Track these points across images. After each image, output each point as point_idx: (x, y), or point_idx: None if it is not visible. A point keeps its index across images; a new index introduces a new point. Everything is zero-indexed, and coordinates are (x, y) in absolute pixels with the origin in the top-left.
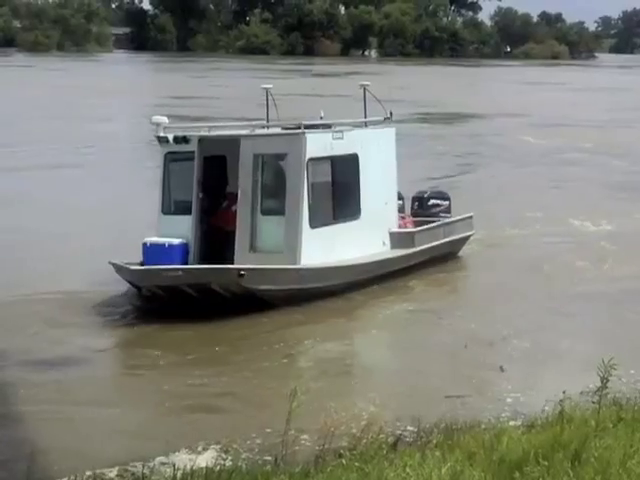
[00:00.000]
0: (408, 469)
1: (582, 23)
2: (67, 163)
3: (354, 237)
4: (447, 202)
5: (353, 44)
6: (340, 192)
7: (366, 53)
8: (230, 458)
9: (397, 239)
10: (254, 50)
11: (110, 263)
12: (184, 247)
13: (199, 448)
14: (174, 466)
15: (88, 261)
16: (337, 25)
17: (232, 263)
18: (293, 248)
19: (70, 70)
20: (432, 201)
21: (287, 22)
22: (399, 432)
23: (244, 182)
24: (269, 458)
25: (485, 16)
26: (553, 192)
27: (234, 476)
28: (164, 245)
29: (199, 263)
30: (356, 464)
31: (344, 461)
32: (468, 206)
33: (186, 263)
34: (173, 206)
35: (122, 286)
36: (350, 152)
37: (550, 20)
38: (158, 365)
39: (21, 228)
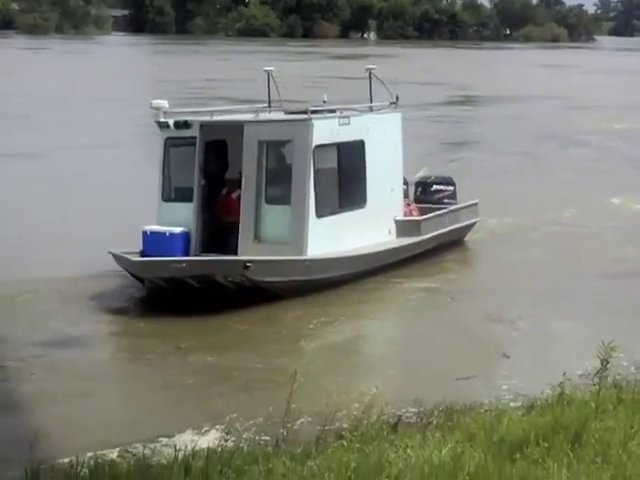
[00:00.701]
0: (409, 450)
1: (581, 6)
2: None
3: (360, 226)
4: (452, 188)
5: (352, 26)
6: (346, 180)
7: (365, 35)
8: (231, 439)
9: (403, 227)
10: (253, 32)
11: (110, 253)
12: (185, 236)
13: (200, 429)
14: (175, 447)
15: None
16: (336, 7)
17: (235, 253)
18: (299, 238)
19: (87, 52)
20: (435, 187)
21: (286, 4)
22: (400, 414)
23: (248, 170)
24: (270, 439)
25: None
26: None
27: (235, 457)
28: (165, 234)
29: (201, 253)
30: (357, 445)
31: (345, 442)
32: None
33: (187, 252)
34: (173, 193)
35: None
36: (356, 138)
37: (549, 2)
38: (159, 350)
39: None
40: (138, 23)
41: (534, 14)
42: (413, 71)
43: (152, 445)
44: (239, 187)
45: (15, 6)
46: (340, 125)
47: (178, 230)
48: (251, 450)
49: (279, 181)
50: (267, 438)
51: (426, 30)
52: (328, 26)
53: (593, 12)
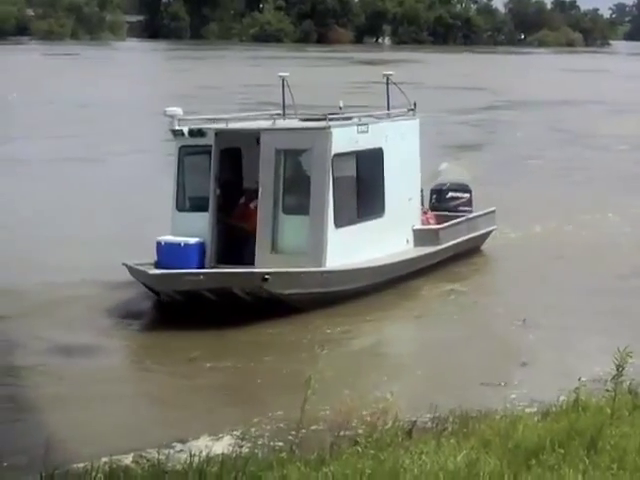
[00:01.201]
0: (424, 456)
1: (596, 10)
2: None
3: (378, 236)
4: (467, 195)
5: (366, 32)
6: (364, 189)
7: (379, 41)
8: (246, 445)
9: (421, 236)
10: (267, 38)
11: (124, 265)
12: (201, 247)
13: (215, 435)
14: (190, 453)
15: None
16: (350, 12)
17: (251, 264)
18: (318, 249)
19: (113, 58)
20: (451, 194)
21: (300, 9)
22: (415, 419)
23: (265, 179)
24: (285, 445)
25: (499, 3)
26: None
27: (250, 463)
28: (180, 245)
29: (216, 264)
30: (372, 451)
31: (359, 448)
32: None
33: (203, 264)
34: (188, 202)
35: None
36: (375, 146)
37: (564, 7)
38: (173, 358)
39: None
40: (153, 29)
41: (549, 19)
42: (444, 76)
43: (166, 451)
44: (257, 197)
45: (30, 12)
46: (359, 133)
47: (193, 241)
48: (265, 456)
49: (297, 190)
50: (281, 444)
51: (440, 35)
52: (342, 31)
53: (608, 16)
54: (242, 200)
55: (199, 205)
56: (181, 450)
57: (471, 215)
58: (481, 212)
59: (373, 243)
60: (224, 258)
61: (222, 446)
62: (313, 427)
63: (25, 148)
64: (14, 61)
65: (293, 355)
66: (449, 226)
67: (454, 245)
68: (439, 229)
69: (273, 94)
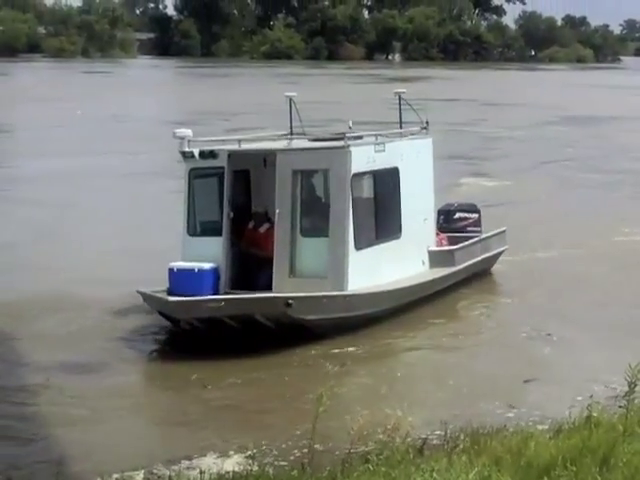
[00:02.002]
0: (435, 474)
1: (607, 26)
2: None
3: (395, 258)
4: (476, 215)
5: (377, 48)
6: (382, 209)
7: (390, 57)
8: (257, 463)
9: (437, 258)
10: (278, 55)
11: (138, 292)
12: (215, 272)
13: (226, 453)
14: (200, 470)
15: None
16: (361, 29)
17: (265, 289)
18: (340, 273)
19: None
20: (458, 214)
21: (311, 27)
22: (426, 437)
23: (281, 201)
24: (296, 463)
25: (509, 19)
26: None
27: None
28: (194, 270)
29: (231, 290)
30: (383, 469)
31: (371, 466)
32: None
33: (217, 290)
34: (199, 227)
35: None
36: (392, 165)
37: (574, 23)
38: (184, 376)
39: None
40: (163, 46)
41: (559, 35)
42: (481, 92)
43: (177, 468)
44: (267, 220)
45: (42, 30)
46: (376, 152)
47: (208, 266)
48: (277, 474)
49: (315, 212)
50: (292, 462)
51: (451, 51)
52: (353, 48)
53: (619, 32)
54: (251, 224)
55: (211, 229)
56: (192, 467)
57: (484, 235)
58: (493, 232)
59: (391, 265)
60: (238, 284)
61: (233, 464)
62: (324, 445)
63: (106, 161)
64: (49, 78)
65: (304, 372)
66: (464, 247)
67: (469, 266)
68: (455, 250)
69: (284, 113)
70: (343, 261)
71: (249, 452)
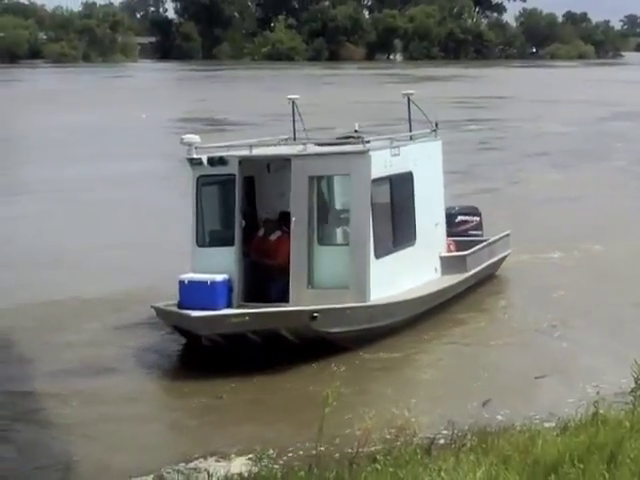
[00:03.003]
0: (443, 473)
1: (607, 22)
2: None
3: (410, 265)
4: (477, 218)
5: (378, 48)
6: (398, 215)
7: (391, 57)
8: (264, 464)
9: (449, 264)
10: (279, 56)
11: (153, 307)
12: (228, 284)
13: (233, 455)
14: (208, 473)
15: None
16: (361, 30)
17: (279, 301)
18: (362, 283)
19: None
20: (460, 218)
21: (312, 28)
22: (433, 436)
23: (297, 208)
24: (303, 464)
25: (510, 17)
26: None
27: None
28: (206, 283)
29: (244, 302)
30: (390, 469)
31: (378, 466)
32: None
33: (231, 303)
34: (208, 237)
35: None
36: (406, 170)
37: (575, 20)
38: (190, 379)
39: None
40: (165, 50)
41: (560, 32)
42: (530, 88)
43: (185, 471)
44: (278, 228)
45: (43, 35)
46: (392, 156)
47: (220, 278)
48: (284, 475)
49: (334, 220)
50: (299, 463)
51: (452, 50)
52: (354, 48)
53: (619, 28)
54: (261, 232)
55: (221, 239)
56: (199, 470)
57: (492, 239)
58: (498, 236)
59: (407, 273)
60: (249, 295)
61: (240, 466)
62: (331, 445)
63: None
64: (77, 83)
65: (310, 373)
66: (474, 252)
67: (479, 271)
68: (466, 255)
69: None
70: (365, 271)
71: (256, 454)
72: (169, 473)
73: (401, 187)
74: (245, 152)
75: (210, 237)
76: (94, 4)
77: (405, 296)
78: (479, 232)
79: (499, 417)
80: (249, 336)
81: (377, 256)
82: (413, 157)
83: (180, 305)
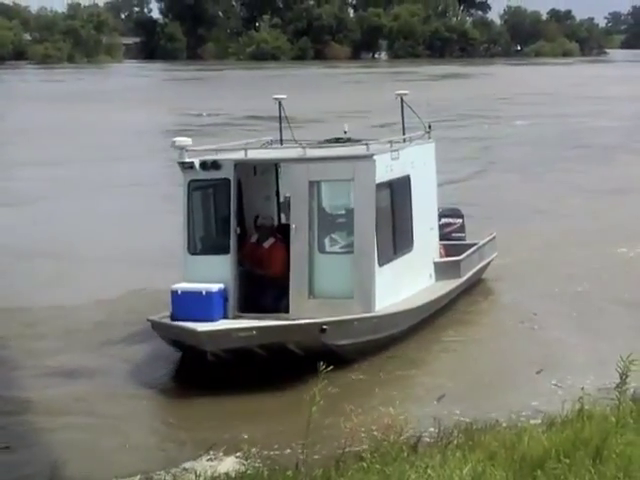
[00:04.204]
0: (429, 470)
1: (592, 19)
2: None
3: (408, 272)
4: (460, 220)
5: (363, 47)
6: (398, 221)
7: (376, 55)
8: (251, 464)
9: (443, 269)
10: (264, 56)
11: (149, 320)
12: (224, 294)
13: (221, 455)
14: (196, 473)
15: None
16: (346, 28)
17: (273, 311)
18: (367, 292)
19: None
20: (443, 220)
21: (296, 27)
22: (419, 434)
23: (297, 215)
24: (290, 463)
25: (494, 15)
26: None
27: None
28: (201, 293)
29: (241, 313)
30: (377, 466)
31: (365, 464)
32: None
33: (226, 314)
34: (200, 244)
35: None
36: (404, 174)
37: (560, 17)
38: (178, 380)
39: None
40: (149, 50)
41: (545, 29)
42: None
43: (172, 471)
44: (271, 234)
45: (27, 37)
46: (392, 159)
47: (216, 288)
48: (271, 474)
49: (336, 227)
50: (287, 462)
51: (437, 48)
52: (339, 47)
53: (604, 25)
54: (253, 239)
55: (214, 247)
56: (187, 471)
57: (481, 243)
58: (487, 239)
59: (405, 280)
60: (245, 306)
61: (227, 465)
62: (318, 444)
63: None
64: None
65: (296, 372)
66: (467, 256)
67: (471, 276)
68: (461, 260)
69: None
70: (371, 280)
71: (243, 453)
72: (156, 474)
73: (400, 191)
74: (240, 155)
75: (202, 244)
76: (78, 5)
77: (407, 305)
78: (462, 234)
79: (485, 414)
80: (256, 351)
81: (380, 264)
82: (410, 160)
83: (173, 317)
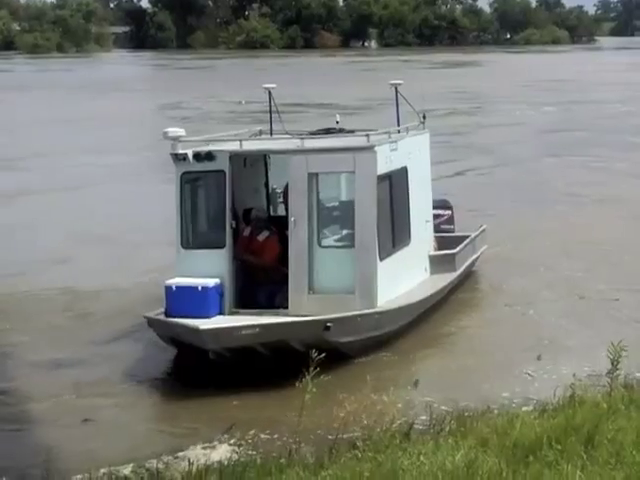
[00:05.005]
0: (422, 457)
1: (581, 7)
2: None
3: (406, 266)
4: (449, 212)
5: (353, 35)
6: (397, 214)
7: (366, 44)
8: (244, 452)
9: (438, 263)
10: (254, 45)
11: (145, 317)
12: (220, 289)
13: (213, 443)
14: (189, 461)
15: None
16: (336, 17)
17: (269, 307)
18: (369, 287)
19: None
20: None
21: (286, 15)
22: (412, 421)
23: (296, 208)
24: (283, 451)
25: (484, 3)
26: None
27: (248, 469)
28: (196, 288)
29: (237, 309)
30: (370, 454)
31: (358, 452)
32: None
33: (222, 310)
34: (194, 238)
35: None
36: (402, 165)
37: (549, 5)
38: (172, 370)
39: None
40: (139, 39)
41: (534, 17)
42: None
43: (165, 460)
44: (265, 227)
45: (16, 26)
46: (391, 151)
47: (212, 283)
48: (264, 462)
49: (336, 220)
50: (280, 450)
51: (426, 37)
52: (329, 36)
53: (593, 13)
54: (247, 231)
55: (207, 240)
56: (180, 459)
57: (473, 235)
58: (478, 232)
59: (404, 275)
60: (241, 301)
61: (221, 454)
62: (311, 432)
63: None
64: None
65: (289, 361)
66: (461, 249)
67: (465, 269)
68: (456, 253)
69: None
70: (373, 274)
71: (236, 441)
72: (148, 463)
73: (398, 183)
74: (235, 146)
75: (196, 238)
76: None
77: (407, 300)
78: (451, 226)
79: (478, 401)
80: (258, 349)
81: (381, 258)
82: (407, 151)
83: (167, 313)
